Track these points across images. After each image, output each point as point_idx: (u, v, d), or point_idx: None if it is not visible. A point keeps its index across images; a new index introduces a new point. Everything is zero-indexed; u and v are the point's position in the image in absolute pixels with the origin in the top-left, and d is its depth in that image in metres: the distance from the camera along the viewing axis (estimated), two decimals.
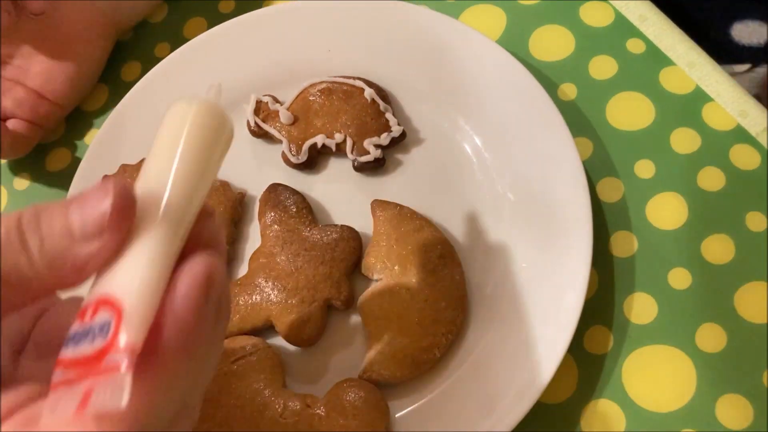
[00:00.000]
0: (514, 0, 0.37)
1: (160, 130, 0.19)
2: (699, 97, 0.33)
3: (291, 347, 0.30)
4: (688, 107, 0.33)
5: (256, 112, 0.34)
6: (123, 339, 0.16)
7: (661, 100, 0.33)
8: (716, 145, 0.32)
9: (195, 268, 0.17)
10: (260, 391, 0.28)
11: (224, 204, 0.33)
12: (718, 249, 0.30)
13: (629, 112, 0.34)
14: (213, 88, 0.20)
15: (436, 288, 0.29)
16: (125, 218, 0.17)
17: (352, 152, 0.33)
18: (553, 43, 0.36)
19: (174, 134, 0.19)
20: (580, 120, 0.34)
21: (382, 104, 0.33)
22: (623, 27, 0.36)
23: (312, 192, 0.33)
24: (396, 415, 0.28)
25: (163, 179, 0.18)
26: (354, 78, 0.34)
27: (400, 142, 0.33)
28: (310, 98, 0.34)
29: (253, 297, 0.30)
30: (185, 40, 0.37)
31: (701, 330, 0.29)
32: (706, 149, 0.32)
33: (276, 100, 0.35)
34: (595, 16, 0.36)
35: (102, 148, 0.35)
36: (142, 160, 0.31)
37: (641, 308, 0.30)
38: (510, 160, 0.32)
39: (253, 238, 0.33)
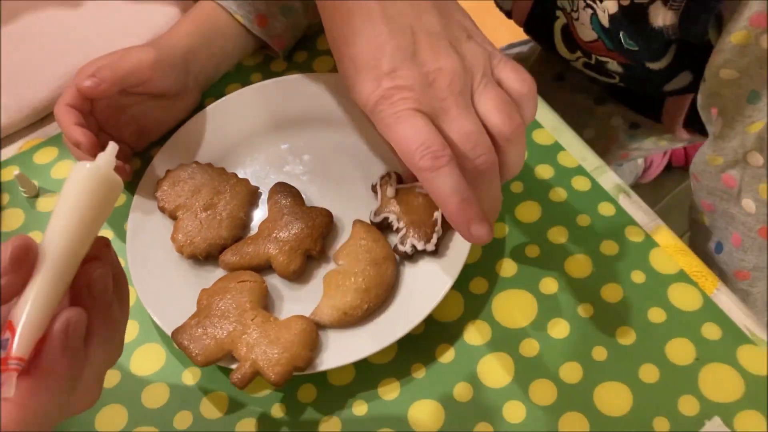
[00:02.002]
0: None
1: (62, 189, 0.28)
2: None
3: (280, 284, 0.46)
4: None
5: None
6: (13, 352, 0.25)
7: None
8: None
9: (61, 321, 0.26)
10: (245, 302, 0.44)
11: (244, 192, 0.49)
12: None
13: None
14: (107, 150, 0.29)
15: (374, 276, 0.44)
16: (20, 264, 0.26)
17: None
18: None
19: (69, 195, 0.27)
20: None
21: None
22: None
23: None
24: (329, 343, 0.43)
25: (55, 235, 0.27)
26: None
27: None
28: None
29: (259, 246, 0.46)
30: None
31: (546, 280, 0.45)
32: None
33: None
34: None
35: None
36: (178, 167, 0.42)
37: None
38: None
39: (260, 217, 0.49)
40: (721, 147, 0.50)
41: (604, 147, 0.72)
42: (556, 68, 0.72)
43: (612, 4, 0.49)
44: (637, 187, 0.79)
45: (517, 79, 0.37)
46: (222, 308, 0.43)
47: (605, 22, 0.51)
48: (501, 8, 0.63)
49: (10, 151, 0.56)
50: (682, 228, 0.74)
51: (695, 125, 0.65)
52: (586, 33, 0.54)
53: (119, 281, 0.30)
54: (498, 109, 0.36)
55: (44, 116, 0.57)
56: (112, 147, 0.29)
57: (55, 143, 0.55)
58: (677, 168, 0.81)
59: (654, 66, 0.53)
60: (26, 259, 0.26)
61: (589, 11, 0.52)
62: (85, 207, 0.27)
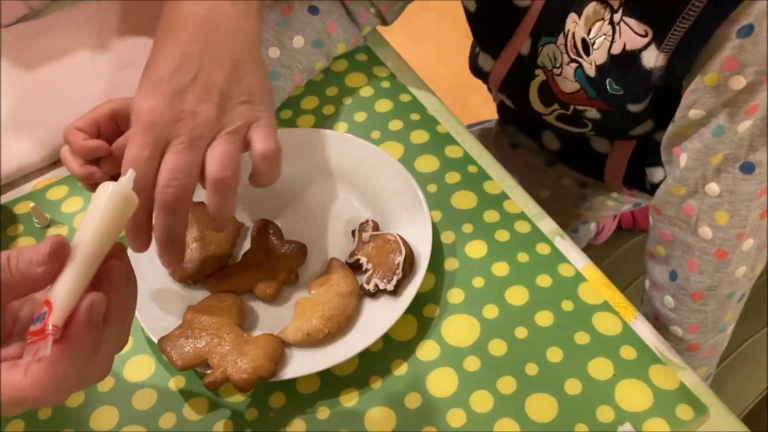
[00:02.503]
0: None
1: (91, 201, 0.35)
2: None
3: (258, 306, 0.53)
4: None
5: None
6: (50, 322, 0.32)
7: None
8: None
9: (87, 300, 0.33)
10: (223, 320, 0.51)
11: (231, 226, 0.57)
12: None
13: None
14: (128, 174, 0.36)
15: (339, 306, 0.51)
16: (57, 256, 0.33)
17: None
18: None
19: (95, 207, 0.35)
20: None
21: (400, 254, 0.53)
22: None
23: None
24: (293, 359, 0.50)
25: (84, 236, 0.34)
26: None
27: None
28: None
29: (242, 273, 0.54)
30: None
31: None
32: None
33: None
34: None
35: None
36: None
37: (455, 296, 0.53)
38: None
39: (244, 246, 0.56)
40: (685, 178, 0.56)
41: (560, 206, 0.80)
42: (512, 139, 0.81)
43: (600, 55, 0.56)
44: (590, 248, 0.86)
45: (261, 142, 0.45)
46: (203, 323, 0.50)
47: (591, 72, 0.58)
48: (479, 71, 0.71)
49: (26, 188, 0.63)
50: (629, 279, 0.82)
51: (633, 182, 0.73)
52: (568, 85, 0.61)
53: (130, 278, 0.37)
54: (218, 158, 0.44)
55: (57, 159, 0.65)
56: (131, 173, 0.37)
57: (66, 182, 0.63)
58: (626, 231, 0.89)
59: (634, 108, 0.59)
60: (61, 254, 0.33)
61: (574, 65, 0.59)
62: (108, 216, 0.35)
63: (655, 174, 0.70)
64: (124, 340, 0.38)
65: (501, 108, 0.81)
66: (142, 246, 0.46)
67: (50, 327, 0.32)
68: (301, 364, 0.49)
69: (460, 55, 0.86)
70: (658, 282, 0.63)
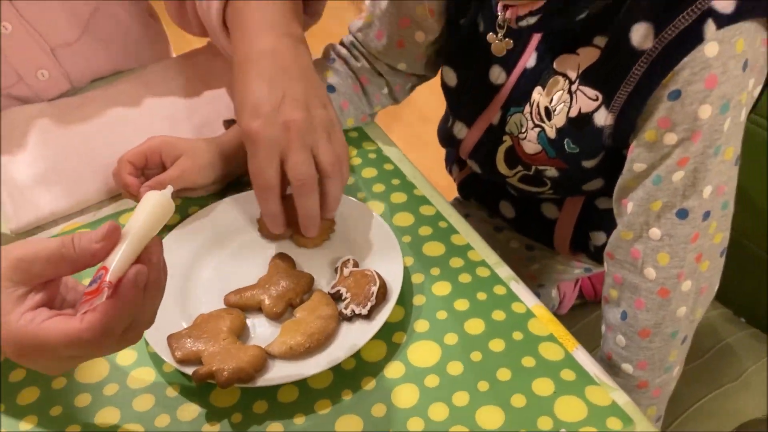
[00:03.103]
0: None
1: (139, 204, 0.46)
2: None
3: (263, 322, 0.61)
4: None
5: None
6: (107, 278, 0.42)
7: None
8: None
9: (134, 270, 0.42)
10: (224, 328, 0.59)
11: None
12: None
13: None
14: (168, 188, 0.47)
15: (319, 326, 0.59)
16: (110, 236, 0.43)
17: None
18: None
19: (143, 207, 0.45)
20: None
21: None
22: None
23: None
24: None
25: (134, 227, 0.44)
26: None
27: None
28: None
29: (255, 293, 0.63)
30: None
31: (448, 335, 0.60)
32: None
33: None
34: None
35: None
36: None
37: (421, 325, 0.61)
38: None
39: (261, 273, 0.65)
40: (632, 223, 0.65)
41: (511, 267, 0.88)
42: (464, 211, 0.91)
43: (560, 119, 0.66)
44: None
45: (341, 145, 0.62)
46: (207, 329, 0.58)
47: (552, 135, 0.68)
48: (452, 139, 0.80)
49: (55, 230, 0.72)
50: (591, 346, 0.88)
51: (578, 246, 0.82)
52: (531, 147, 0.70)
53: (163, 266, 0.46)
54: (325, 152, 0.60)
55: (84, 207, 0.74)
56: (169, 188, 0.47)
57: (90, 226, 0.72)
58: (590, 302, 0.97)
59: (588, 164, 0.69)
60: (114, 235, 0.43)
61: (537, 130, 0.69)
62: (151, 214, 0.45)
63: (598, 238, 0.79)
64: (153, 313, 0.47)
65: (462, 184, 0.91)
66: (281, 227, 0.63)
67: (107, 281, 0.41)
68: (283, 373, 0.56)
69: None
70: (611, 323, 0.70)
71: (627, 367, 0.69)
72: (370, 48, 0.79)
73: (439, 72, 0.79)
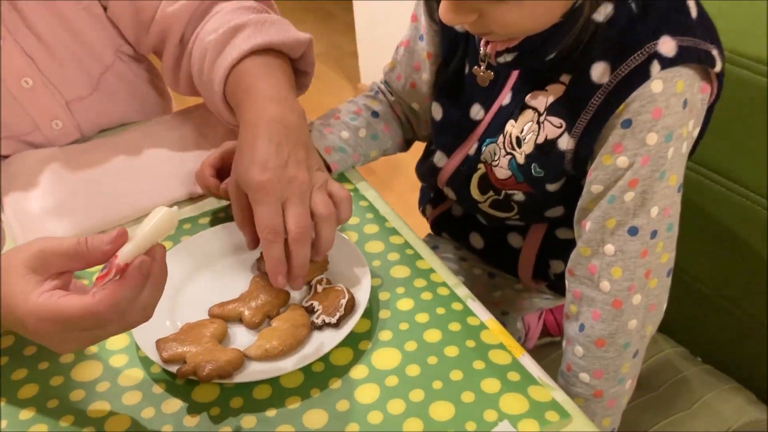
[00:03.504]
0: None
1: (149, 216, 0.53)
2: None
3: (236, 332, 0.68)
4: None
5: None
6: (117, 261, 0.51)
7: None
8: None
9: (139, 258, 0.51)
10: (207, 334, 0.66)
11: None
12: None
13: None
14: (175, 208, 0.54)
15: (292, 333, 0.66)
16: (119, 240, 0.52)
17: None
18: None
19: (151, 218, 0.53)
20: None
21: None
22: None
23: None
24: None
25: (142, 231, 0.52)
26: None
27: None
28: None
29: (237, 306, 0.70)
30: None
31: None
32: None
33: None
34: None
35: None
36: None
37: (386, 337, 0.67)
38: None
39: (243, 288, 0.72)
40: (589, 240, 0.72)
41: (475, 293, 0.95)
42: (431, 244, 0.99)
43: (529, 147, 0.75)
44: None
45: (340, 189, 0.69)
46: (191, 334, 0.65)
47: (521, 161, 0.76)
48: (432, 168, 0.88)
49: None
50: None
51: (540, 274, 0.89)
52: (502, 173, 0.79)
53: (165, 266, 0.55)
54: (320, 202, 0.67)
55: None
56: (176, 208, 0.55)
57: None
58: (557, 339, 1.03)
59: (551, 187, 0.77)
60: (122, 238, 0.53)
61: (509, 157, 0.77)
62: (157, 223, 0.53)
63: (557, 266, 0.86)
64: (152, 306, 0.55)
65: (435, 221, 0.99)
66: (284, 270, 0.67)
67: (116, 264, 0.51)
68: (258, 372, 0.63)
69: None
70: (570, 336, 0.77)
71: (584, 377, 0.76)
72: (393, 88, 0.93)
73: None
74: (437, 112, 0.86)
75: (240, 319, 0.69)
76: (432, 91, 0.88)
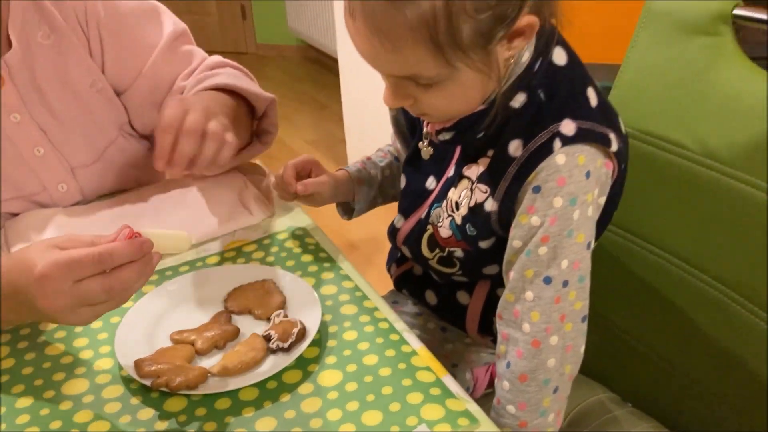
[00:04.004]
0: None
1: (167, 231, 0.73)
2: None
3: (207, 357, 0.80)
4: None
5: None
6: (124, 233, 0.70)
7: None
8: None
9: (143, 240, 0.70)
10: (177, 356, 0.79)
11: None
12: None
13: None
14: (188, 234, 0.74)
15: (251, 355, 0.78)
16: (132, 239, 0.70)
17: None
18: None
19: (165, 229, 0.72)
20: None
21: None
22: None
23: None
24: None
25: (156, 231, 0.71)
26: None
27: None
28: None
29: (190, 335, 0.83)
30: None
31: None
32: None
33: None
34: None
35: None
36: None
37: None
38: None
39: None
40: (513, 287, 0.84)
41: (428, 346, 1.06)
42: (392, 299, 1.11)
43: (464, 209, 0.88)
44: None
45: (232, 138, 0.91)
46: (165, 356, 0.77)
47: (459, 222, 0.89)
48: (393, 229, 1.01)
49: None
50: None
51: (485, 329, 1.01)
52: (445, 233, 0.91)
53: (152, 265, 0.71)
54: (215, 124, 0.89)
55: None
56: (189, 235, 0.70)
57: None
58: None
59: (484, 245, 0.89)
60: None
61: (450, 219, 0.90)
62: (171, 234, 0.70)
63: None
64: (132, 291, 0.71)
65: (397, 279, 1.12)
66: (164, 158, 0.86)
67: (127, 231, 0.68)
68: (219, 386, 0.75)
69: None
70: (499, 373, 0.88)
71: (510, 408, 0.86)
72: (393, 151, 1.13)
73: None
74: (402, 181, 1.01)
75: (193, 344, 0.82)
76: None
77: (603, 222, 0.89)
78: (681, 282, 0.98)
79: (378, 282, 1.05)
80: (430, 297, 1.08)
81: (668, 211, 0.99)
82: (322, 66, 4.18)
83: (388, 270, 1.18)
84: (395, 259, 1.15)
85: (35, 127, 1.05)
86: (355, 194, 1.06)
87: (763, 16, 0.93)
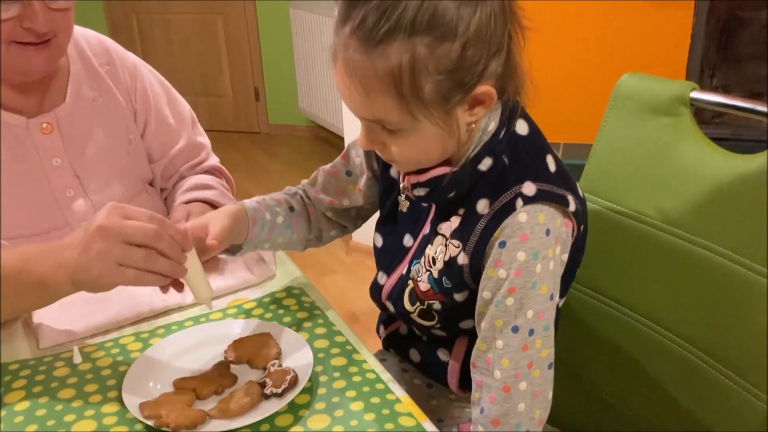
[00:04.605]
0: None
1: (203, 274, 0.92)
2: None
3: (206, 401, 0.87)
4: None
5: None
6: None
7: None
8: None
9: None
10: (182, 401, 0.86)
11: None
12: None
13: None
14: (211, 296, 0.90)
15: (247, 401, 0.86)
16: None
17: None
18: None
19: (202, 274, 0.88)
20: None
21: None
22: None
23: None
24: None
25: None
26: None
27: None
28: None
29: (193, 382, 0.91)
30: None
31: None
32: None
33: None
34: None
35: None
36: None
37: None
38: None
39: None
40: (485, 337, 0.90)
41: (415, 400, 1.12)
42: (380, 357, 1.17)
43: (440, 264, 0.96)
44: None
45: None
46: (168, 399, 0.85)
47: (436, 275, 0.96)
48: (376, 286, 1.08)
49: (68, 345, 1.00)
50: None
51: (464, 384, 1.07)
52: (424, 286, 0.98)
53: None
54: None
55: (105, 330, 1.03)
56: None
57: (107, 347, 1.00)
58: None
59: (458, 297, 0.95)
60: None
61: (428, 273, 0.98)
62: (200, 280, 0.85)
63: None
64: (159, 280, 0.88)
65: (386, 339, 1.19)
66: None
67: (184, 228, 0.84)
68: (217, 426, 0.82)
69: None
70: (474, 419, 0.93)
71: None
72: (310, 196, 1.16)
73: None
74: (378, 240, 1.09)
75: (194, 390, 0.89)
76: (361, 217, 1.15)
77: (568, 278, 0.97)
78: (650, 341, 1.05)
79: (375, 349, 1.12)
80: (414, 355, 1.14)
81: (637, 274, 1.07)
82: (330, 144, 4.34)
83: (377, 332, 1.25)
84: (383, 320, 1.23)
85: (71, 172, 1.19)
86: (248, 233, 1.05)
87: (715, 98, 1.03)
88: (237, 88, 4.63)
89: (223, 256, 1.10)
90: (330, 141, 4.38)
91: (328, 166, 1.15)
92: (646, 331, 1.06)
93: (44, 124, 1.15)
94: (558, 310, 1.03)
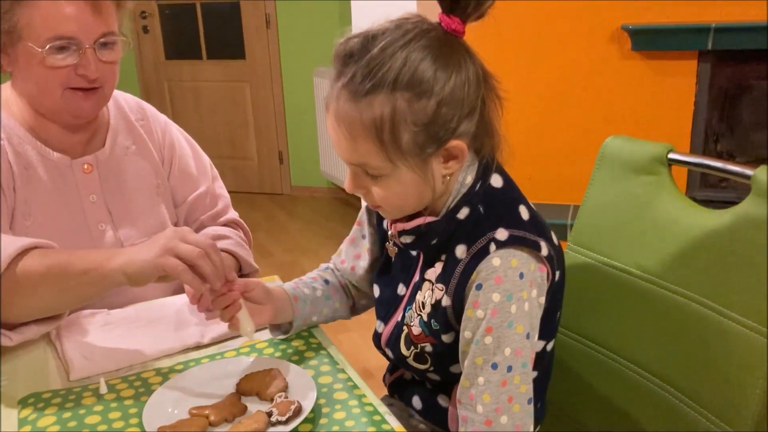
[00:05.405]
0: None
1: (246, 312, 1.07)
2: None
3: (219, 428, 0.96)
4: None
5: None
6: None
7: None
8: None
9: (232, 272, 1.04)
10: (193, 426, 0.95)
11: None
12: None
13: None
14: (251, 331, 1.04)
15: (254, 427, 0.93)
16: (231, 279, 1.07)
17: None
18: None
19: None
20: None
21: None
22: None
23: None
24: None
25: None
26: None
27: None
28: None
29: (206, 409, 1.00)
30: None
31: None
32: None
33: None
34: None
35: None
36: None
37: None
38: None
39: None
40: (468, 374, 0.97)
41: None
42: (387, 402, 1.23)
43: (428, 307, 1.03)
44: None
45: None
46: (184, 424, 0.93)
47: (425, 318, 1.04)
48: (376, 334, 1.16)
49: (95, 379, 1.10)
50: None
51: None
52: (416, 330, 1.05)
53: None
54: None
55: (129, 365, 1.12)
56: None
57: (125, 381, 1.09)
58: None
59: (446, 339, 1.02)
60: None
61: (419, 317, 1.05)
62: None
63: None
64: (195, 282, 0.99)
65: (390, 386, 1.26)
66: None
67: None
68: None
69: None
70: None
71: None
72: (339, 268, 1.26)
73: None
74: (376, 291, 1.18)
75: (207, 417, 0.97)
76: (372, 275, 1.22)
77: (550, 320, 1.05)
78: (633, 383, 1.12)
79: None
80: (416, 402, 1.21)
81: (622, 321, 1.15)
82: (349, 205, 4.47)
83: (383, 380, 1.33)
84: (388, 369, 1.30)
85: (105, 209, 1.34)
86: (294, 309, 1.15)
87: (691, 159, 1.12)
88: (262, 152, 4.81)
89: (280, 336, 1.19)
90: (349, 202, 4.51)
91: (348, 236, 1.26)
92: (630, 374, 1.12)
93: (86, 165, 1.32)
94: (549, 353, 1.11)
